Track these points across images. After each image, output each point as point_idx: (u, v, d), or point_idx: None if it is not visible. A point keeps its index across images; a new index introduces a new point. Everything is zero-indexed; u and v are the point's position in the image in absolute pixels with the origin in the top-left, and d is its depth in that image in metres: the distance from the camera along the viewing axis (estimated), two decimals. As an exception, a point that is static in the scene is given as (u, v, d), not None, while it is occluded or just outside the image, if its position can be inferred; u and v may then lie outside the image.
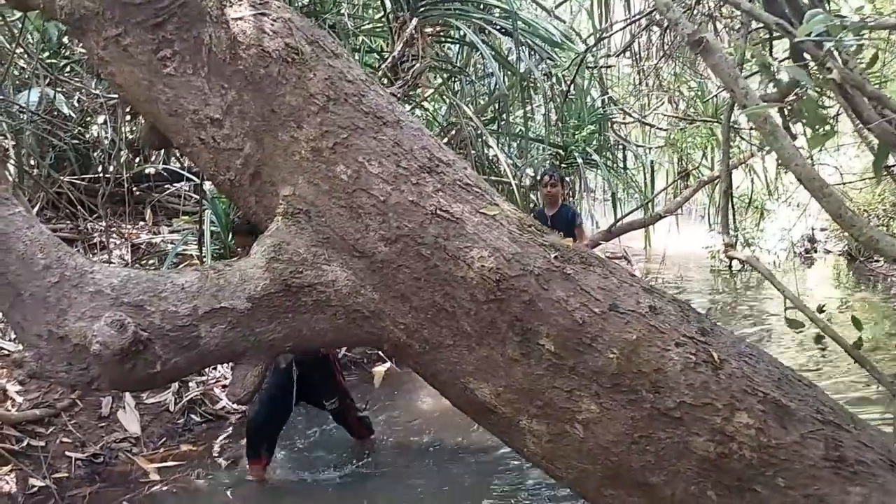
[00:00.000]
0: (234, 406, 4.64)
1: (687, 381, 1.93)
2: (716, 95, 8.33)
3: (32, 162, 6.01)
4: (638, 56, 9.43)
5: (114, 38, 2.19)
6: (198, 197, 7.31)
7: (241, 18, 2.19)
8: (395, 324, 2.17)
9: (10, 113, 5.91)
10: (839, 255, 13.21)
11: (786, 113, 2.80)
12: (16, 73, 6.11)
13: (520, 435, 2.15)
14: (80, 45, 4.82)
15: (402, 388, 5.36)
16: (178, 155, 8.10)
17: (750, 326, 7.70)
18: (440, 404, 4.95)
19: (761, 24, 3.83)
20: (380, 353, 5.67)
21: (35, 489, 3.62)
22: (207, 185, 5.45)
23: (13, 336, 4.50)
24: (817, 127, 1.65)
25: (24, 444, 3.80)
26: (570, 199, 8.55)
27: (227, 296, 2.10)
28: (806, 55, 2.46)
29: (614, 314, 2.02)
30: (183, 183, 7.53)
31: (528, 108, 8.27)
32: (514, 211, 2.21)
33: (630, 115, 10.29)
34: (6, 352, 4.35)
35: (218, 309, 2.08)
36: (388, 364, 5.55)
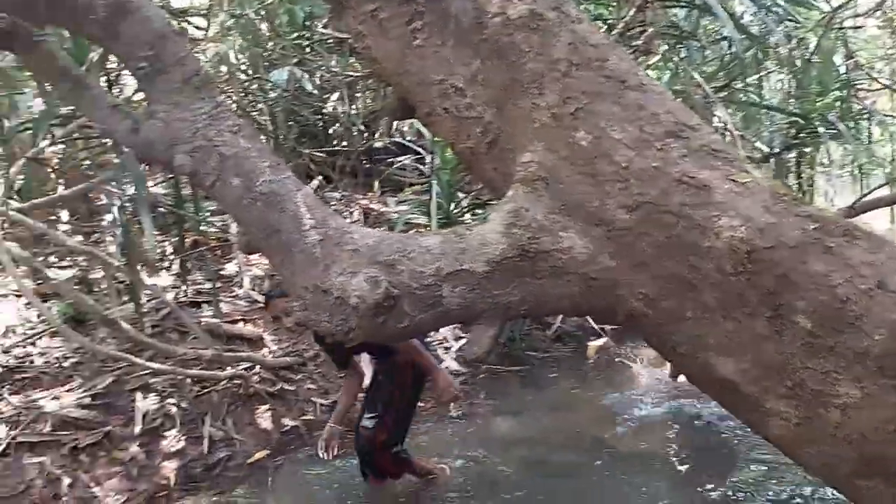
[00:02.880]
0: (460, 367, 4.87)
1: (970, 370, 1.71)
2: None
3: (280, 135, 6.63)
4: (892, 16, 8.43)
5: (370, 12, 2.34)
6: (420, 170, 7.69)
7: (487, -12, 2.23)
8: (632, 294, 2.13)
9: (263, 90, 6.56)
10: None
11: None
12: (265, 53, 6.76)
13: (764, 416, 2.03)
14: (337, 23, 5.19)
15: (616, 364, 5.28)
16: (401, 130, 8.54)
17: None
18: (657, 382, 4.83)
19: None
20: (594, 326, 5.63)
21: (287, 428, 4.08)
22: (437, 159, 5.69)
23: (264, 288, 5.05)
24: None
25: (278, 387, 4.28)
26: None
27: (468, 259, 2.17)
28: None
29: (882, 293, 1.83)
30: (407, 157, 7.93)
31: (762, 74, 7.69)
32: (766, 179, 2.08)
33: (878, 82, 9.20)
34: (260, 304, 4.89)
35: (459, 271, 2.16)
36: (603, 339, 5.49)
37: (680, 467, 3.92)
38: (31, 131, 3.58)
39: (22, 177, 3.84)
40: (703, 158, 2.07)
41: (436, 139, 5.57)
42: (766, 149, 7.33)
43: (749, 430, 2.19)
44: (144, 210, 3.52)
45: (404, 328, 2.19)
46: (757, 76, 7.39)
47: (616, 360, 5.24)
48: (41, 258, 4.49)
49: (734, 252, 1.92)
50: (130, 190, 4.10)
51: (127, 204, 3.98)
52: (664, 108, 2.17)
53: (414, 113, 2.65)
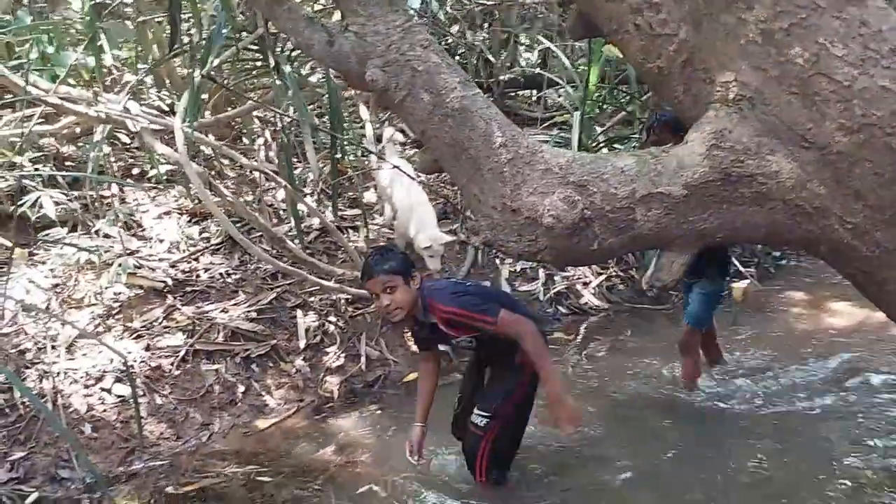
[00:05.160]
0: (595, 303, 4.81)
1: None
2: None
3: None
4: None
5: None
6: (546, 103, 7.51)
7: None
8: (841, 223, 2.01)
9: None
10: None
11: None
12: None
13: None
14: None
15: (766, 309, 5.01)
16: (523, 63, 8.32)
17: None
18: (813, 330, 4.56)
19: None
20: (739, 268, 5.39)
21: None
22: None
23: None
24: None
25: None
26: None
27: (665, 181, 2.10)
28: None
29: None
30: (530, 90, 7.74)
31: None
32: None
33: None
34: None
35: (655, 194, 2.10)
36: (747, 281, 5.24)
37: (835, 425, 3.63)
38: (204, 49, 3.65)
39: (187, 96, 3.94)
40: (938, 77, 1.89)
41: (587, 64, 5.40)
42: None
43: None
44: (307, 134, 3.57)
45: (594, 251, 2.15)
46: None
47: (766, 304, 4.98)
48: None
49: (977, 179, 1.77)
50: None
51: (286, 127, 4.06)
52: (888, 23, 1.99)
53: (596, 31, 2.55)
